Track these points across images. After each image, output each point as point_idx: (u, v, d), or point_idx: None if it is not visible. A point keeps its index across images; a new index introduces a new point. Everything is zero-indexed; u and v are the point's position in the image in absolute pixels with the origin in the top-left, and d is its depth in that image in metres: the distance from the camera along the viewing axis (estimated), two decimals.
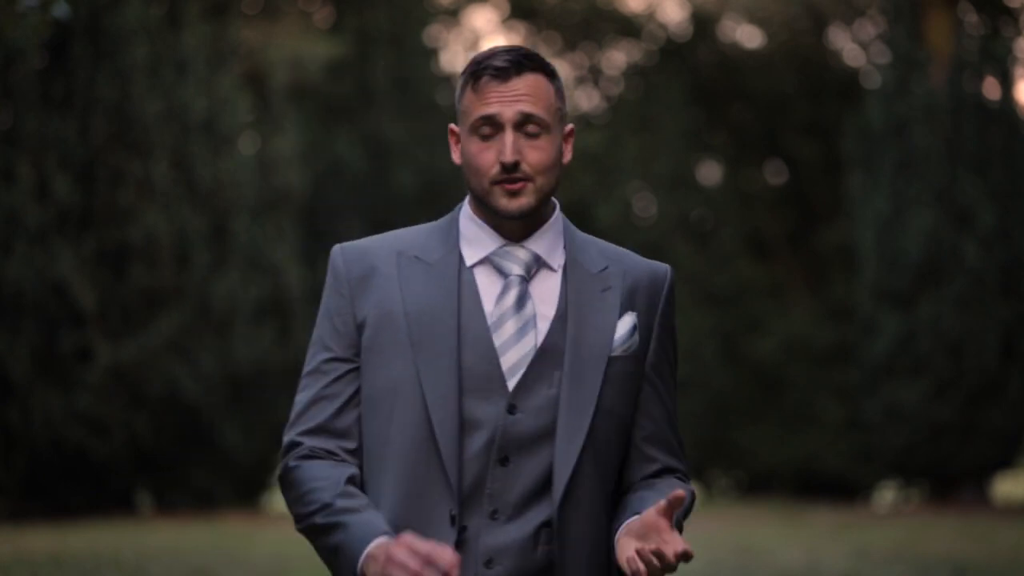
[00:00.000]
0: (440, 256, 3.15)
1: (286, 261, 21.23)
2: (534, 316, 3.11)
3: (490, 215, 3.14)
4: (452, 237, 3.17)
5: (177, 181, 19.82)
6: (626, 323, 3.13)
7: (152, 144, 19.52)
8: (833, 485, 24.63)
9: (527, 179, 3.08)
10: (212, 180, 20.15)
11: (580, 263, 3.16)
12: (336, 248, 3.24)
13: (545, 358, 3.09)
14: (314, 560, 3.71)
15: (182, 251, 19.71)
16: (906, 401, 21.31)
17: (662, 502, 2.91)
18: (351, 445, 3.12)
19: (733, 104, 27.70)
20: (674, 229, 26.16)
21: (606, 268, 3.16)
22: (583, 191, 26.08)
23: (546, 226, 3.17)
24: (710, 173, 28.30)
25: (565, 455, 3.05)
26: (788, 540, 15.84)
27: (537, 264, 3.14)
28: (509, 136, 3.07)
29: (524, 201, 3.09)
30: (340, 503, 3.02)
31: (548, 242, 3.16)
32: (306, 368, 3.19)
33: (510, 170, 3.07)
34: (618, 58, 28.95)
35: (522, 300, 3.11)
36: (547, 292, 3.13)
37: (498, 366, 3.08)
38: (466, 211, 3.19)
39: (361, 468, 3.13)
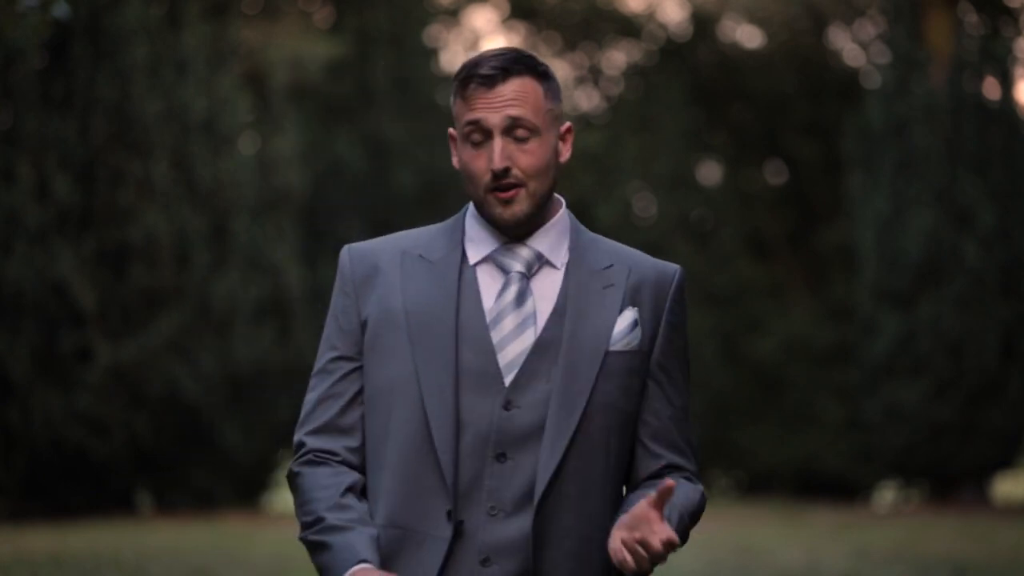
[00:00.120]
0: (443, 255, 3.18)
1: (286, 261, 21.23)
2: (534, 312, 3.12)
3: None
4: (457, 236, 3.20)
5: (177, 181, 19.82)
6: (626, 318, 3.13)
7: (152, 144, 19.51)
8: (833, 485, 24.63)
9: (519, 184, 3.10)
10: (212, 180, 20.15)
11: (584, 261, 3.17)
12: (344, 249, 3.26)
13: (542, 354, 3.09)
14: None
15: (182, 251, 19.71)
16: (906, 401, 21.31)
17: (652, 493, 2.91)
18: (355, 443, 3.16)
19: (733, 104, 27.69)
20: (674, 229, 26.16)
21: (610, 266, 3.17)
22: (583, 191, 26.07)
23: (549, 224, 3.18)
24: (710, 173, 28.30)
25: (551, 449, 3.05)
26: (788, 540, 15.84)
27: (539, 262, 3.15)
28: (498, 143, 3.08)
29: (518, 209, 3.11)
30: (331, 518, 3.06)
31: (551, 240, 3.17)
32: (315, 368, 3.23)
33: (500, 176, 3.08)
34: (618, 58, 28.95)
35: (522, 297, 3.12)
36: (548, 289, 3.14)
37: (495, 362, 3.09)
38: (471, 211, 3.21)
39: (364, 465, 3.16)
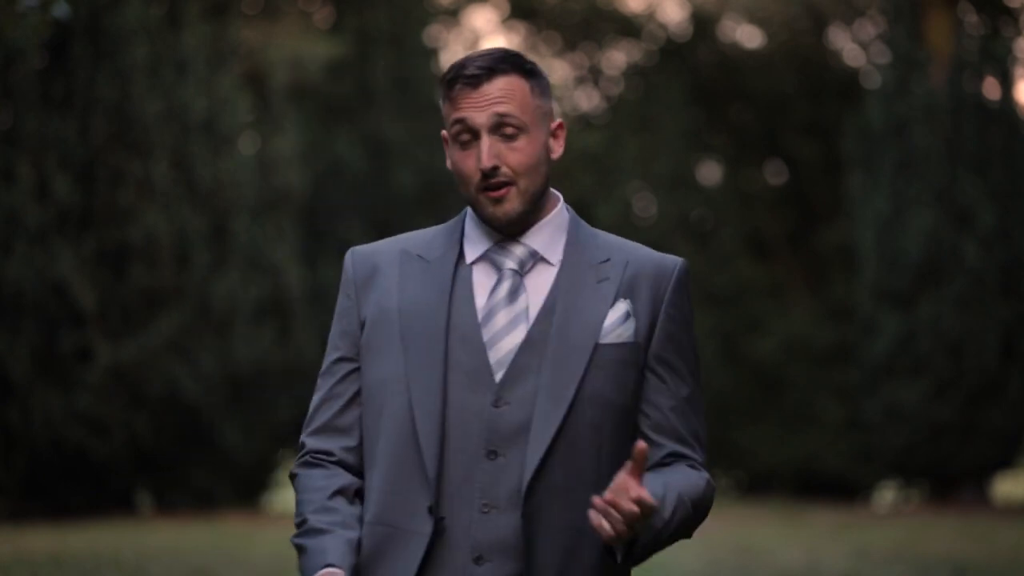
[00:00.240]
0: (440, 254, 3.19)
1: (286, 261, 21.23)
2: (526, 309, 3.12)
3: None
4: (456, 236, 3.21)
5: (177, 181, 19.82)
6: (618, 310, 3.12)
7: (152, 144, 19.51)
8: (833, 485, 24.63)
9: (509, 183, 3.11)
10: (212, 180, 20.15)
11: (580, 256, 3.17)
12: (348, 252, 3.29)
13: (532, 349, 3.09)
14: None
15: (182, 251, 19.71)
16: (906, 401, 21.31)
17: (628, 462, 2.90)
18: (352, 443, 3.18)
19: (733, 104, 27.70)
20: (674, 229, 26.16)
21: (607, 260, 3.17)
22: (583, 191, 26.07)
23: (544, 221, 3.18)
24: (710, 173, 28.30)
25: (537, 442, 3.04)
26: (788, 540, 15.84)
27: (533, 259, 3.16)
28: (485, 142, 3.09)
29: (509, 207, 3.11)
30: (313, 521, 3.11)
31: (546, 236, 3.17)
32: (321, 369, 3.28)
33: (489, 175, 3.09)
34: (618, 58, 28.95)
35: (514, 294, 3.13)
36: (542, 285, 3.14)
37: (486, 360, 3.09)
38: (471, 211, 3.23)
39: (363, 464, 3.19)
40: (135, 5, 19.47)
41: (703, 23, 27.37)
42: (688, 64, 27.42)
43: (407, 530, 3.07)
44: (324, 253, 23.00)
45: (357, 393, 3.19)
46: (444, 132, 3.18)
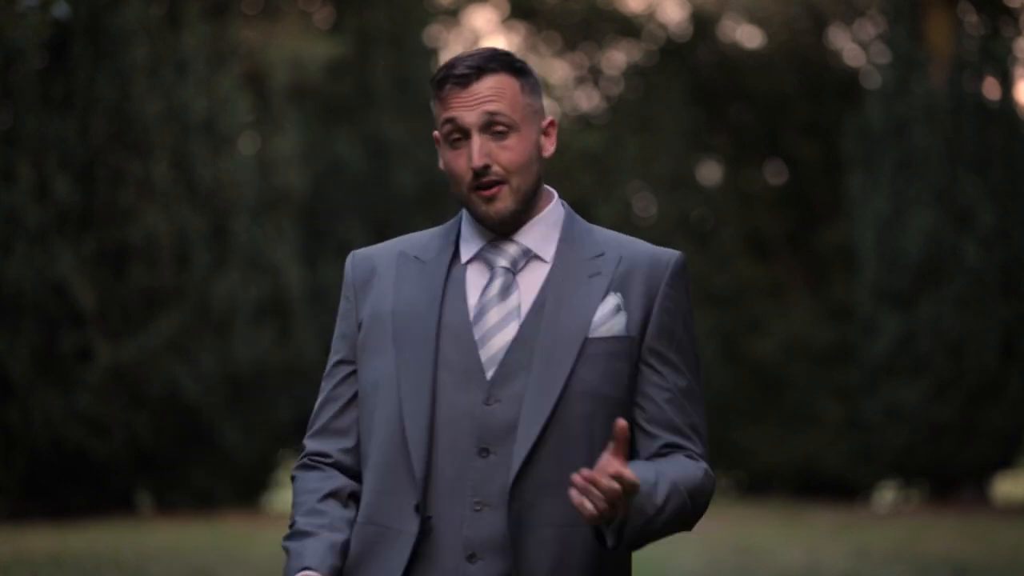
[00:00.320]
0: (435, 255, 3.20)
1: (286, 261, 21.23)
2: (518, 306, 3.11)
3: None
4: (452, 236, 3.22)
5: (177, 181, 19.82)
6: (608, 304, 3.11)
7: (152, 144, 19.51)
8: (833, 485, 24.63)
9: (501, 181, 3.11)
10: (212, 180, 20.15)
11: (573, 252, 3.16)
12: (349, 255, 3.31)
13: (522, 346, 3.09)
14: None
15: (182, 251, 19.71)
16: (906, 401, 21.31)
17: (610, 443, 2.88)
18: (349, 444, 3.20)
19: (733, 104, 27.70)
20: (674, 229, 26.16)
21: (600, 255, 3.16)
22: (583, 191, 26.07)
23: (537, 218, 3.18)
24: (710, 173, 28.30)
25: (524, 436, 3.03)
26: (788, 540, 15.84)
27: (526, 257, 3.16)
28: (476, 141, 3.10)
29: (501, 206, 3.12)
30: (300, 523, 3.15)
31: (539, 234, 3.17)
32: (324, 372, 3.30)
33: (481, 174, 3.10)
34: (618, 58, 28.95)
35: (506, 291, 3.13)
36: (534, 282, 3.14)
37: (477, 358, 3.09)
38: (466, 210, 3.23)
39: (360, 465, 3.21)
40: (135, 5, 19.47)
41: (703, 23, 27.37)
42: (688, 64, 27.42)
43: (395, 529, 3.08)
44: (324, 253, 23.00)
45: (356, 395, 3.21)
46: (436, 133, 3.18)
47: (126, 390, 19.16)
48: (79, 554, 13.77)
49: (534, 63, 29.42)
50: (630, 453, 3.11)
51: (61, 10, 14.44)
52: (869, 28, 26.83)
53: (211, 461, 20.40)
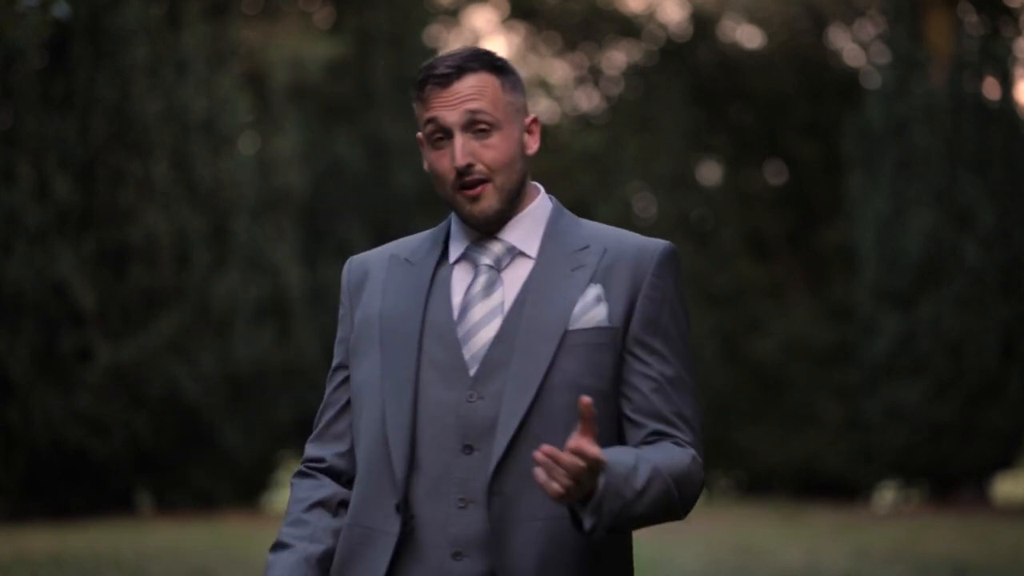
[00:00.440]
0: (424, 256, 3.21)
1: (286, 261, 21.23)
2: (501, 303, 3.11)
3: None
4: (441, 236, 3.23)
5: (177, 181, 19.82)
6: (589, 295, 3.10)
7: (152, 144, 19.52)
8: (833, 485, 24.64)
9: (485, 180, 3.11)
10: (212, 180, 20.15)
11: (557, 246, 3.15)
12: (347, 261, 3.32)
13: (504, 342, 3.08)
14: None
15: (182, 251, 19.71)
16: (906, 401, 21.31)
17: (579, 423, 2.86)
18: (343, 448, 3.22)
19: (733, 104, 27.70)
20: (674, 229, 26.16)
21: (585, 248, 3.15)
22: (583, 191, 26.08)
23: (522, 215, 3.17)
24: (710, 173, 28.31)
25: (503, 430, 3.02)
26: (788, 540, 15.84)
27: (511, 254, 3.15)
28: (458, 140, 3.10)
29: (486, 205, 3.11)
30: (282, 534, 3.20)
31: (524, 230, 3.17)
32: (327, 377, 3.33)
33: (464, 173, 3.09)
34: (618, 58, 28.95)
35: (490, 288, 3.13)
36: (518, 279, 3.14)
37: (460, 355, 3.09)
38: (452, 210, 3.24)
39: (354, 470, 3.22)
40: (135, 5, 19.47)
41: (703, 23, 27.37)
42: (688, 64, 27.42)
43: (379, 530, 3.08)
44: (324, 253, 23.01)
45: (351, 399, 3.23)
46: (419, 134, 3.19)
47: (126, 390, 19.16)
48: (79, 554, 13.77)
49: (534, 63, 29.43)
50: (615, 440, 3.10)
51: (61, 10, 14.45)
52: (869, 28, 26.83)
53: (211, 461, 20.41)
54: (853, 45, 27.55)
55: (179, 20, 20.16)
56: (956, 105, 21.34)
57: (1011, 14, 23.84)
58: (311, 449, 3.25)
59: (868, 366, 21.96)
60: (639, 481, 2.94)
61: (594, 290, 3.10)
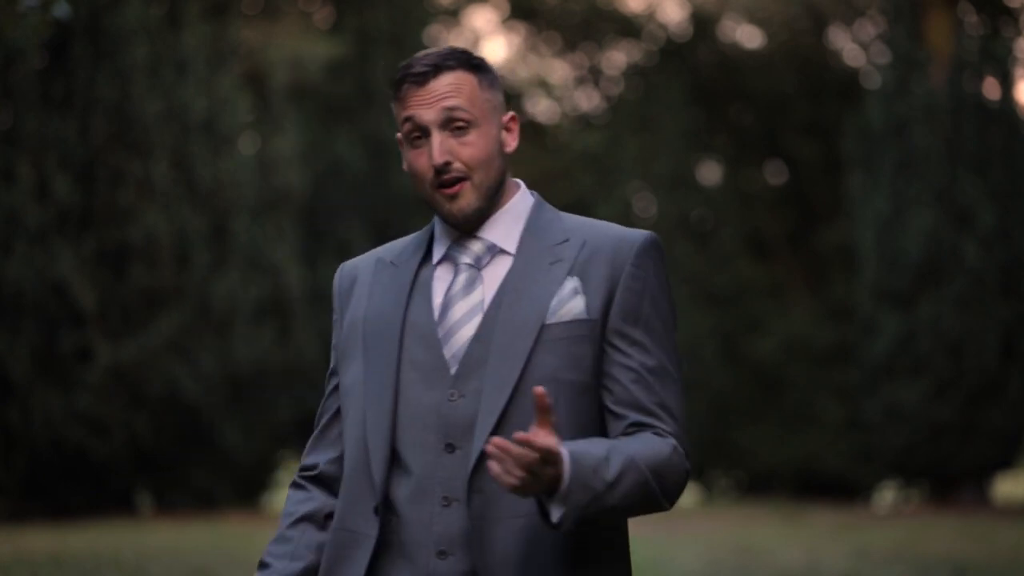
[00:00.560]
0: (408, 258, 3.22)
1: (286, 261, 21.23)
2: (481, 301, 3.11)
3: None
4: (426, 238, 3.23)
5: (177, 181, 19.83)
6: (566, 288, 3.08)
7: (152, 144, 19.52)
8: (833, 485, 24.63)
9: (463, 178, 3.10)
10: (212, 180, 20.15)
11: (536, 241, 3.14)
12: (339, 267, 3.33)
13: (483, 340, 3.08)
14: None
15: (182, 251, 19.71)
16: (906, 401, 21.31)
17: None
18: (335, 454, 3.23)
19: (733, 104, 27.70)
20: (674, 229, 26.16)
21: (564, 241, 3.13)
22: (583, 191, 26.08)
23: (501, 212, 3.17)
24: (710, 173, 28.30)
25: (482, 427, 3.02)
26: (788, 540, 15.84)
27: (491, 252, 3.15)
28: (436, 138, 3.09)
29: (464, 203, 3.11)
30: (265, 552, 3.21)
31: (503, 227, 3.16)
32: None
33: (442, 171, 3.09)
34: (618, 58, 28.95)
35: (470, 287, 3.12)
36: (498, 276, 3.13)
37: (441, 355, 3.09)
38: (433, 210, 3.24)
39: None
40: (135, 5, 19.47)
41: (703, 23, 27.37)
42: (688, 64, 27.42)
43: (360, 533, 3.09)
44: (324, 253, 23.00)
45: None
46: (399, 135, 3.18)
47: (126, 390, 19.16)
48: (79, 554, 13.77)
49: (534, 63, 29.44)
50: (599, 433, 3.08)
51: (61, 10, 14.45)
52: (869, 28, 26.83)
53: (211, 461, 20.41)
54: (853, 45, 27.55)
55: (179, 20, 20.16)
56: (956, 105, 21.34)
57: (1011, 14, 23.85)
58: (305, 457, 3.26)
59: (868, 366, 21.95)
60: (610, 473, 2.92)
61: (571, 283, 3.09)
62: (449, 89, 3.10)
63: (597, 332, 3.08)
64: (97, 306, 19.02)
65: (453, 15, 28.99)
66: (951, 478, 21.82)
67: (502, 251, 3.15)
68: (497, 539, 3.01)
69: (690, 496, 27.50)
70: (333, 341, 3.27)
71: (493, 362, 3.04)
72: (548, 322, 3.06)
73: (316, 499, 3.22)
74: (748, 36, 28.10)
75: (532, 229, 3.16)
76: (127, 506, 20.06)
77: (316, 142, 23.62)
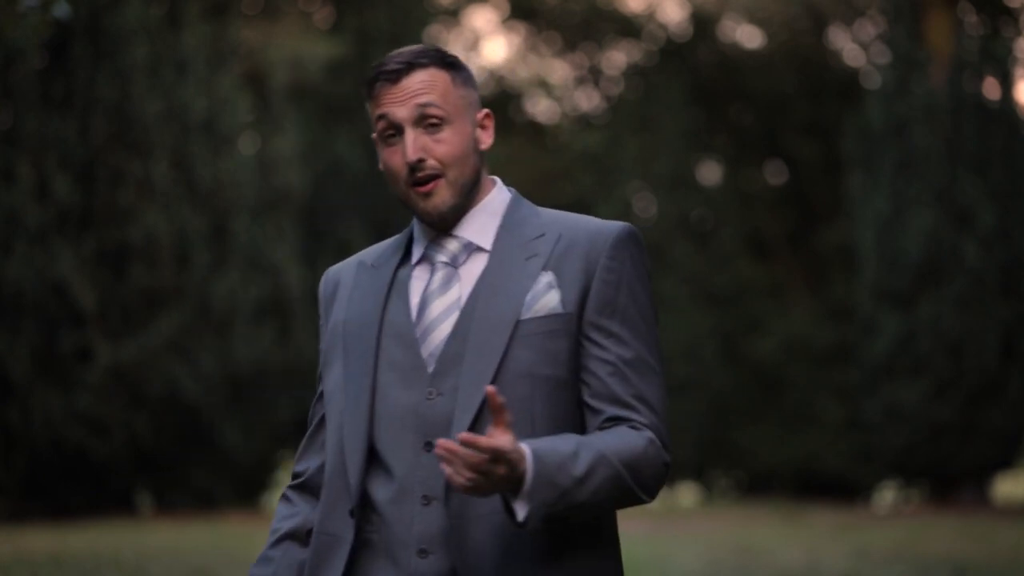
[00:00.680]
0: (387, 259, 3.21)
1: (286, 261, 21.23)
2: (458, 299, 3.09)
3: None
4: (405, 239, 3.23)
5: (177, 181, 19.83)
6: (541, 282, 3.06)
7: (152, 144, 19.52)
8: (833, 485, 24.64)
9: (438, 175, 3.09)
10: (212, 180, 20.16)
11: (512, 237, 3.12)
12: (323, 274, 3.33)
13: (459, 338, 3.06)
14: None
15: (182, 251, 19.71)
16: (906, 401, 21.31)
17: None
18: (321, 460, 3.22)
19: (733, 104, 27.70)
20: (674, 229, 26.17)
21: (540, 236, 3.11)
22: (583, 191, 26.08)
23: (476, 210, 3.15)
24: (710, 173, 28.31)
25: (458, 428, 3.00)
26: (788, 540, 15.84)
27: (467, 250, 3.13)
28: (410, 135, 3.08)
29: (439, 200, 3.10)
30: (252, 574, 3.18)
31: (479, 224, 3.14)
32: None
33: (416, 169, 3.08)
34: (618, 58, 28.95)
35: (446, 286, 3.11)
36: (475, 273, 3.12)
37: (418, 354, 3.08)
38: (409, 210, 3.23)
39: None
40: (135, 5, 19.47)
41: (703, 23, 27.37)
42: (688, 64, 27.43)
43: (338, 536, 3.08)
44: (324, 253, 23.00)
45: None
46: (374, 135, 3.17)
47: (126, 390, 19.16)
48: (79, 554, 13.77)
49: (534, 63, 29.44)
50: (578, 428, 3.05)
51: (61, 10, 14.45)
52: (869, 28, 26.84)
53: (211, 461, 20.41)
54: (853, 45, 27.56)
55: (179, 20, 20.17)
56: (956, 105, 21.34)
57: (1011, 14, 23.85)
58: (297, 465, 3.26)
59: (868, 366, 21.96)
60: (578, 468, 2.89)
61: (546, 277, 3.06)
62: (422, 86, 3.10)
63: (573, 326, 3.05)
64: (97, 306, 19.02)
65: (453, 15, 28.99)
66: (951, 478, 21.83)
67: (479, 248, 3.13)
68: (476, 537, 3.00)
69: (690, 496, 27.51)
70: (320, 346, 3.27)
71: (469, 359, 3.02)
72: (523, 317, 3.03)
73: (300, 513, 3.21)
74: (748, 36, 28.10)
75: (508, 225, 3.14)
76: (127, 506, 20.06)
77: (316, 142, 23.62)
